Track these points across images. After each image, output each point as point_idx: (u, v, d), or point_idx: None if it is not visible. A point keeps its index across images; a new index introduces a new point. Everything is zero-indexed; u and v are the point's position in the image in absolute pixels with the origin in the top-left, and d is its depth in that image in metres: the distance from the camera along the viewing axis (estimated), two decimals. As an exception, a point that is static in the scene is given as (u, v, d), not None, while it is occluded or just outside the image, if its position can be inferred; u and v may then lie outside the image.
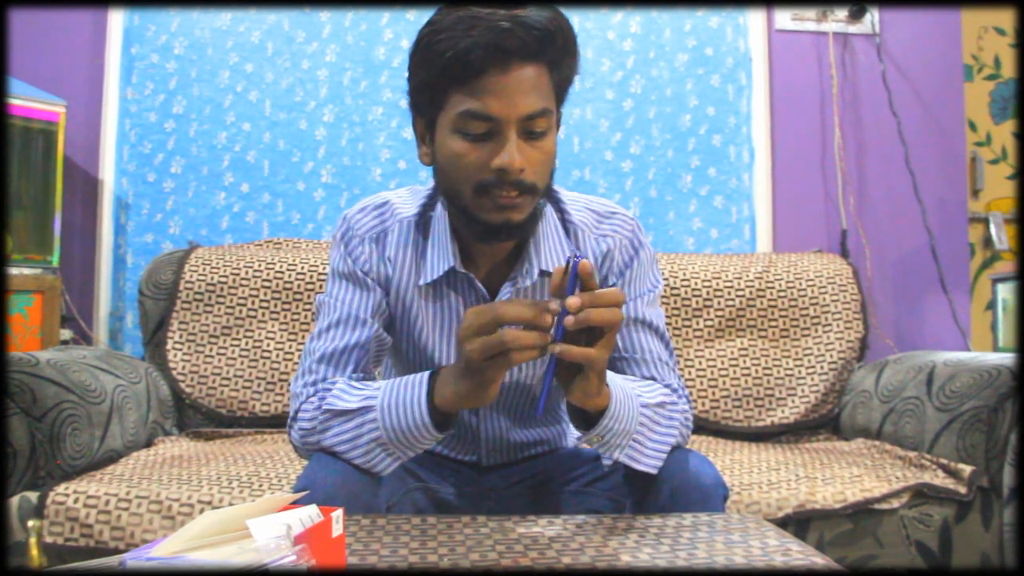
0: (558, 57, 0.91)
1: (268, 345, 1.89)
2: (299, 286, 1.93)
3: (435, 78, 0.90)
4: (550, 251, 1.02)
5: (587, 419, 0.89)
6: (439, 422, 0.89)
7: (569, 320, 0.78)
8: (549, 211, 1.05)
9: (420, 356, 1.06)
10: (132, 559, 0.56)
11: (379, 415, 0.90)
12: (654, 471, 0.93)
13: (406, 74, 0.96)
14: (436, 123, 0.94)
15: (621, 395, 0.89)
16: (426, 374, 0.91)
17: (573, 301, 0.78)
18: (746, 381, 1.92)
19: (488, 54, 0.86)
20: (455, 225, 1.00)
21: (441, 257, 1.01)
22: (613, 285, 1.05)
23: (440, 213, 1.02)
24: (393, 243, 1.04)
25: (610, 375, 0.89)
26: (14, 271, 1.87)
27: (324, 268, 1.93)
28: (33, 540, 0.68)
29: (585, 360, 0.80)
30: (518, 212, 0.92)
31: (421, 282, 1.03)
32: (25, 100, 1.93)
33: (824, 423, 1.91)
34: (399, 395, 0.90)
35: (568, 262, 0.80)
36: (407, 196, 1.07)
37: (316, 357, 0.99)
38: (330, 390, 0.95)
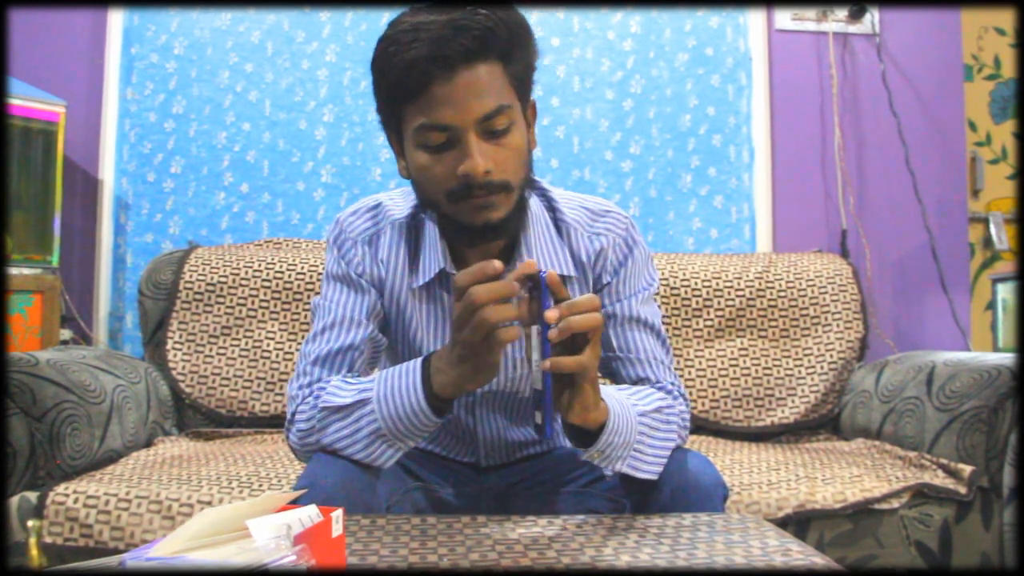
0: (507, 50, 0.90)
1: (268, 345, 1.89)
2: (299, 286, 1.93)
3: (389, 96, 0.91)
4: (542, 250, 1.03)
5: (586, 435, 0.88)
6: (436, 407, 0.89)
7: (553, 333, 0.78)
8: (540, 210, 1.05)
9: (415, 357, 1.06)
10: (132, 559, 0.56)
11: (376, 406, 0.90)
12: (655, 477, 0.93)
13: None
14: (403, 138, 0.95)
15: (618, 407, 0.88)
16: (418, 361, 0.91)
17: (552, 314, 0.78)
18: (746, 381, 1.92)
19: (430, 66, 0.86)
20: (443, 230, 1.01)
21: (432, 259, 1.01)
22: (607, 284, 1.05)
23: (431, 215, 1.03)
24: (385, 245, 1.04)
25: (603, 388, 0.88)
26: (14, 271, 1.87)
27: (323, 269, 1.93)
28: (33, 540, 0.68)
29: (578, 368, 0.80)
30: (496, 211, 0.92)
31: (414, 284, 1.03)
32: (25, 100, 1.93)
33: (824, 423, 1.91)
34: (394, 384, 0.90)
35: (538, 278, 0.80)
36: (400, 198, 1.08)
37: (311, 359, 0.99)
38: (325, 388, 0.95)
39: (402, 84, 0.88)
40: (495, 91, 0.89)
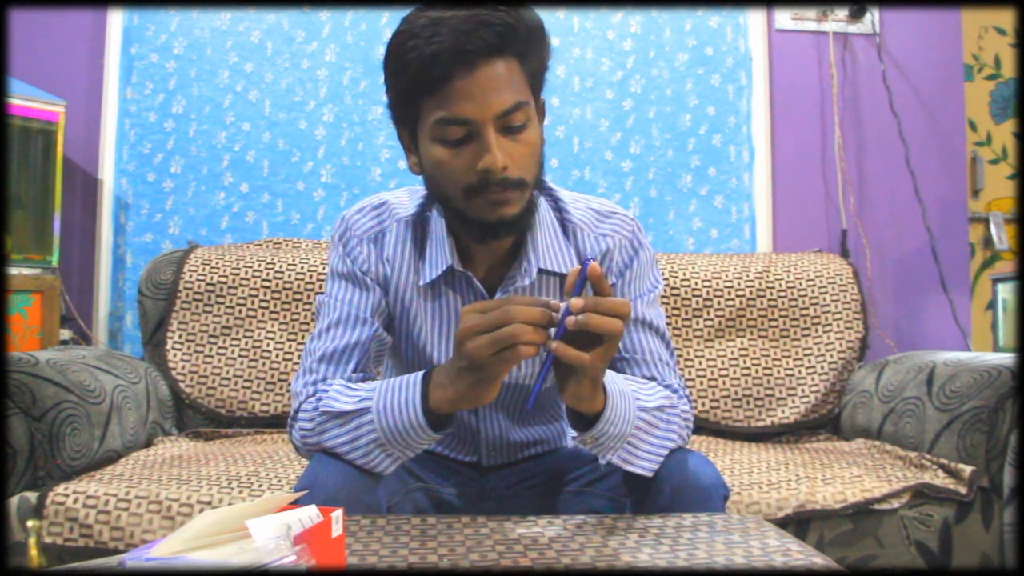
0: (525, 48, 0.91)
1: (268, 345, 1.89)
2: (299, 286, 1.93)
3: (407, 90, 0.91)
4: (548, 250, 1.03)
5: (584, 419, 0.89)
6: (434, 422, 0.89)
7: (570, 320, 0.78)
8: (547, 210, 1.05)
9: (419, 356, 1.06)
10: (131, 559, 0.56)
11: (375, 416, 0.90)
12: (649, 474, 0.93)
13: (384, 87, 0.96)
14: (417, 132, 0.94)
15: (619, 398, 0.88)
16: (419, 375, 0.90)
17: (577, 302, 0.78)
18: (746, 381, 1.92)
19: (452, 59, 0.86)
20: (452, 226, 1.01)
21: (439, 256, 1.01)
22: (613, 285, 1.05)
23: (438, 213, 1.02)
24: (391, 243, 1.04)
25: (611, 375, 0.88)
26: (14, 271, 1.87)
27: (324, 268, 1.93)
28: (32, 540, 0.68)
29: (578, 363, 0.80)
30: (510, 207, 0.92)
31: (420, 282, 1.03)
32: (25, 100, 1.93)
33: (824, 423, 1.91)
34: (393, 397, 0.90)
35: (583, 265, 0.80)
36: (405, 196, 1.08)
37: (316, 356, 0.99)
38: (327, 391, 0.95)
39: (422, 77, 0.88)
40: (514, 87, 0.90)
